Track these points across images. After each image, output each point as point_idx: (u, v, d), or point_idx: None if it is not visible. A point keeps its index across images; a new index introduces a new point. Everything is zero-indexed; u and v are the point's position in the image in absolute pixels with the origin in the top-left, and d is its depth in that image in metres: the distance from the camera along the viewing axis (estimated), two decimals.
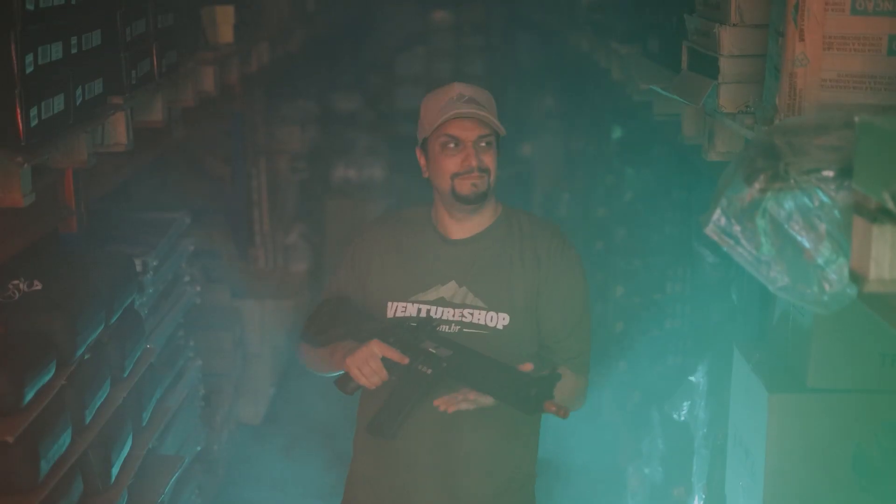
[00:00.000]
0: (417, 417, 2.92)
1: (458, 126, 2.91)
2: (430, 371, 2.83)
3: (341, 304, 3.05)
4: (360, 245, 3.13)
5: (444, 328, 2.95)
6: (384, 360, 2.85)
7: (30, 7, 2.79)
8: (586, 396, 3.09)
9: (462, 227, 3.03)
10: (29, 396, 2.91)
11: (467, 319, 2.97)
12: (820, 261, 2.20)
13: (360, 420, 3.10)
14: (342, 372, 2.98)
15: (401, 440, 2.95)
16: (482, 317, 2.97)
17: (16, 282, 3.25)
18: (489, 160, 2.93)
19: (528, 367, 2.78)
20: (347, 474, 3.18)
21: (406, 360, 2.84)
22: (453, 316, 2.97)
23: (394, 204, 8.88)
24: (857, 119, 1.97)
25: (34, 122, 2.83)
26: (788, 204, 2.24)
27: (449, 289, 2.99)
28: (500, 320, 2.96)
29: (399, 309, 3.00)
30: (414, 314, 2.98)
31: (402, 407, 2.88)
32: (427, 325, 2.88)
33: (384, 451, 3.02)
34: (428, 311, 2.98)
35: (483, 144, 2.92)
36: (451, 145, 2.92)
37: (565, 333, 3.02)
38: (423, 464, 2.99)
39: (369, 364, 2.84)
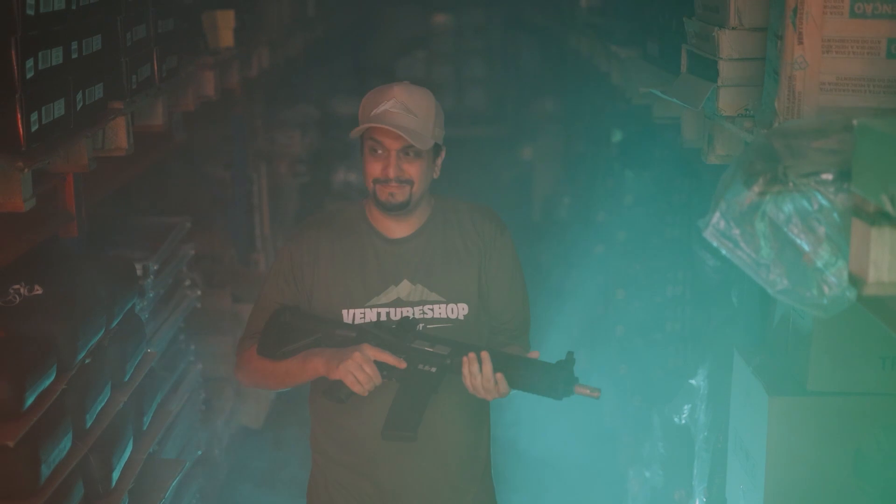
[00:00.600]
0: (377, 406, 2.91)
1: (384, 133, 2.88)
2: (433, 369, 2.83)
3: (300, 314, 2.96)
4: (297, 253, 3.03)
5: None
6: (378, 364, 2.82)
7: (30, 12, 2.79)
8: None
9: (400, 225, 3.01)
10: (30, 401, 2.91)
11: (429, 315, 2.97)
12: (819, 264, 2.20)
13: (315, 415, 3.12)
14: (298, 384, 2.97)
15: (362, 428, 2.98)
16: (443, 310, 2.98)
17: (16, 286, 3.26)
18: (413, 171, 2.90)
19: (535, 354, 2.84)
20: (310, 478, 3.18)
21: (403, 364, 2.82)
22: (414, 314, 2.97)
23: None
24: (855, 122, 1.97)
25: (35, 127, 2.83)
26: (787, 207, 2.24)
27: (403, 288, 2.98)
28: (461, 311, 2.99)
29: (357, 315, 2.97)
30: (374, 319, 2.96)
31: (419, 407, 2.85)
32: (410, 326, 2.87)
33: (346, 436, 3.03)
34: (388, 313, 2.95)
35: (410, 154, 2.89)
36: (378, 151, 2.90)
37: (512, 314, 3.08)
38: (383, 450, 2.99)
39: (364, 369, 2.79)
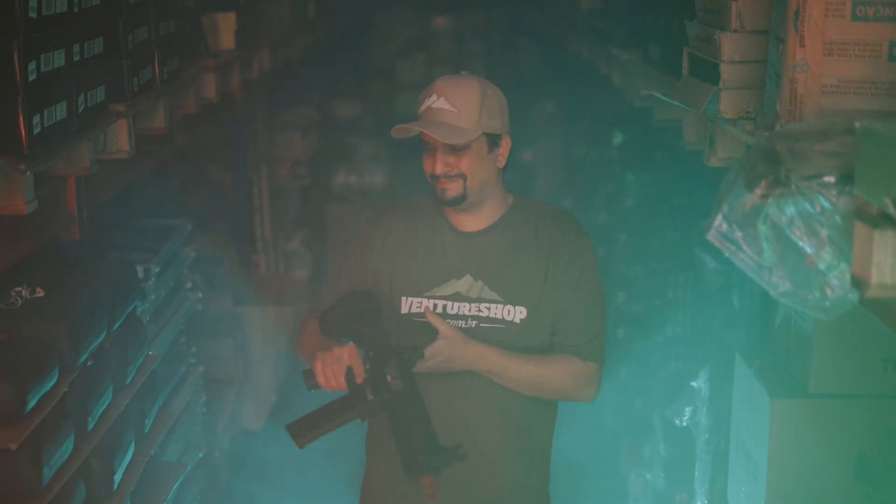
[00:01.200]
0: (437, 415, 2.81)
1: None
2: (371, 398, 2.70)
3: (369, 302, 2.87)
4: (371, 236, 3.05)
5: (462, 323, 2.92)
6: (349, 369, 2.74)
7: (32, 15, 2.79)
8: (599, 384, 3.03)
9: (473, 219, 2.99)
10: (31, 403, 2.91)
11: (484, 314, 2.94)
12: (821, 266, 2.20)
13: (372, 429, 3.08)
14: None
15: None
16: (499, 311, 2.94)
17: (18, 289, 3.26)
18: (464, 164, 2.88)
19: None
20: (362, 483, 3.16)
21: (360, 379, 2.72)
22: (470, 311, 2.94)
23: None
24: (857, 125, 1.97)
25: (37, 130, 2.83)
26: (790, 209, 2.24)
27: (465, 283, 2.96)
28: (518, 314, 2.94)
29: (414, 304, 2.96)
30: (431, 308, 2.94)
31: (326, 423, 2.74)
32: (412, 354, 2.76)
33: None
34: (444, 305, 2.94)
35: (458, 148, 2.87)
36: (427, 147, 2.90)
37: (576, 319, 2.98)
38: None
39: (333, 367, 2.73)
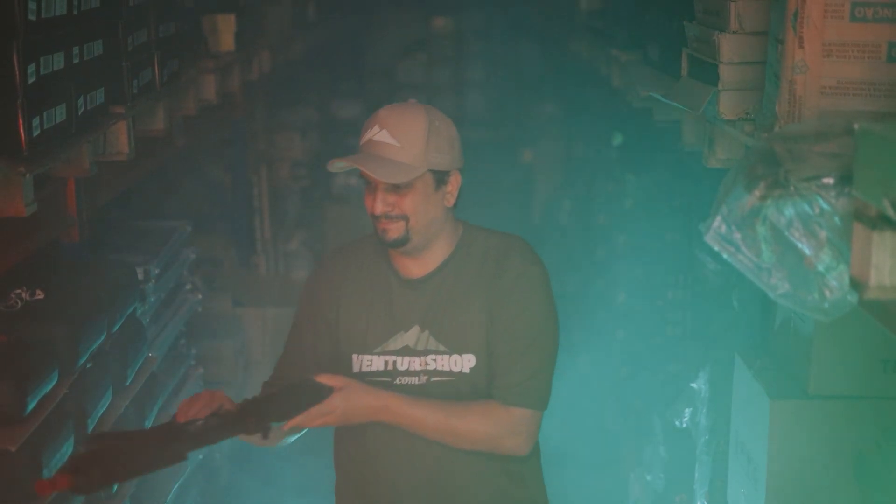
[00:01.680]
0: (409, 452, 2.73)
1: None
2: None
3: (308, 396, 2.61)
4: (316, 290, 2.84)
5: (415, 380, 2.71)
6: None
7: (32, 17, 2.79)
8: (534, 433, 2.72)
9: (418, 263, 2.76)
10: (31, 405, 2.91)
11: (431, 367, 2.71)
12: (820, 267, 2.21)
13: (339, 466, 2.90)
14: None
15: (390, 473, 2.77)
16: (445, 362, 2.71)
17: (18, 291, 3.26)
18: (406, 204, 2.65)
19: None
20: None
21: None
22: (420, 365, 2.72)
23: None
24: (856, 126, 1.98)
25: (36, 132, 2.83)
26: (789, 211, 2.24)
27: (412, 335, 2.74)
28: (466, 363, 2.70)
29: (365, 363, 2.76)
30: (381, 368, 2.74)
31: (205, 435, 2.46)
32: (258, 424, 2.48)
33: (371, 490, 2.81)
34: (395, 361, 2.73)
35: (400, 187, 2.64)
36: (368, 182, 2.68)
37: (505, 360, 2.69)
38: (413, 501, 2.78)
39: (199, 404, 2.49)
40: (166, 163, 5.39)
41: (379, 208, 2.66)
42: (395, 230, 2.67)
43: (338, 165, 2.65)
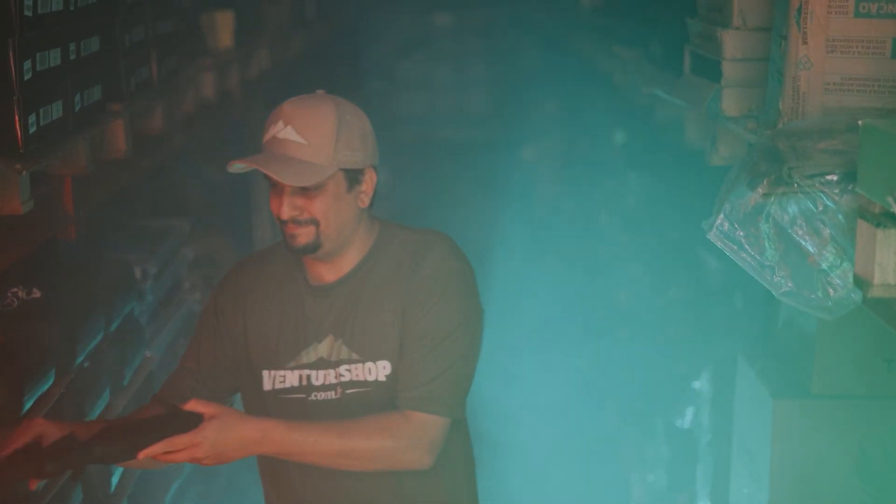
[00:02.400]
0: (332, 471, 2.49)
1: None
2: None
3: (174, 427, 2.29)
4: (223, 303, 2.60)
5: (331, 394, 2.50)
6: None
7: (28, 14, 2.77)
8: (438, 442, 2.43)
9: (330, 269, 2.53)
10: (28, 405, 2.90)
11: (346, 378, 2.49)
12: (824, 266, 2.19)
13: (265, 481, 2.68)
14: None
15: (307, 492, 2.57)
16: (359, 371, 2.49)
17: (15, 290, 3.24)
18: (315, 208, 2.42)
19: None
20: None
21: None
22: (335, 378, 2.50)
23: (395, 209, 8.86)
24: (860, 123, 1.96)
25: (33, 129, 2.81)
26: (792, 208, 2.23)
27: (326, 346, 2.52)
28: (381, 370, 2.48)
29: (277, 379, 2.54)
30: (295, 384, 2.52)
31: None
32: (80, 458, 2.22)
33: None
34: (309, 376, 2.52)
35: (309, 189, 2.41)
36: (273, 183, 2.44)
37: (410, 362, 2.45)
38: None
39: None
40: (164, 161, 5.37)
41: (286, 212, 2.42)
42: (304, 235, 2.44)
43: (238, 167, 2.43)
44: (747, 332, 3.66)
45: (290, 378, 2.52)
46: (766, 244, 2.27)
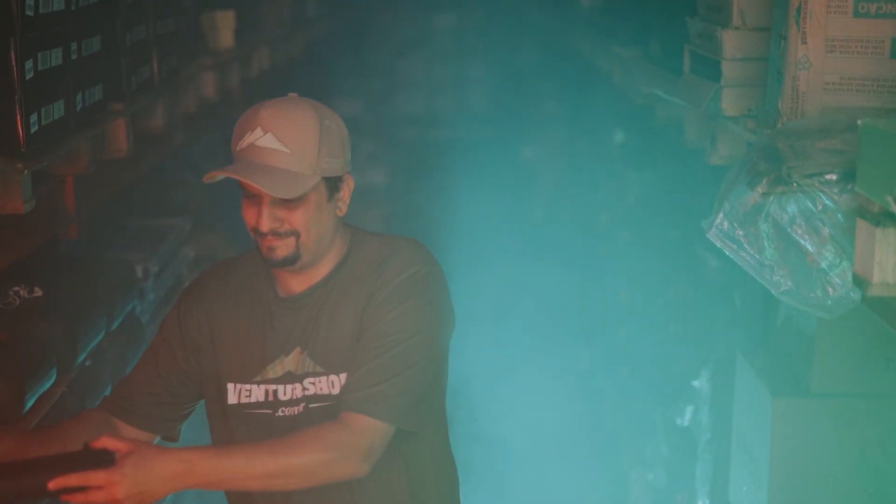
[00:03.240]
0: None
1: None
2: None
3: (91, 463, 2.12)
4: (187, 312, 2.49)
5: (295, 410, 2.39)
6: None
7: (29, 13, 2.78)
8: (376, 447, 2.27)
9: (299, 279, 2.41)
10: (29, 404, 2.90)
11: (310, 392, 2.38)
12: (823, 265, 2.20)
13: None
14: None
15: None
16: (323, 384, 2.38)
17: (16, 289, 3.24)
18: (296, 219, 2.30)
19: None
20: None
21: None
22: (301, 392, 2.39)
23: (394, 209, 8.88)
24: (860, 122, 1.97)
25: (34, 129, 2.82)
26: (791, 208, 2.24)
27: (293, 359, 2.40)
28: (343, 383, 2.37)
29: (243, 394, 2.43)
30: (261, 399, 2.41)
31: None
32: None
33: None
34: (275, 391, 2.40)
35: (292, 200, 2.29)
36: (248, 193, 2.33)
37: (360, 365, 2.31)
38: None
39: None
40: (165, 160, 5.38)
41: (266, 224, 2.29)
42: (283, 248, 2.32)
43: (217, 178, 2.32)
44: (747, 330, 3.67)
45: (256, 393, 2.42)
46: (766, 243, 2.28)
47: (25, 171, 2.77)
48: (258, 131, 2.29)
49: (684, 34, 3.36)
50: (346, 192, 2.39)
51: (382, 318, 2.33)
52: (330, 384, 2.37)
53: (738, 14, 2.86)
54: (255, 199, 2.32)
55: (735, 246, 2.33)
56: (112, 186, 4.14)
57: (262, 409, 2.42)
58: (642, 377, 5.28)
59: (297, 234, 2.32)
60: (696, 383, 3.95)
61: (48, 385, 3.02)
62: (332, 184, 2.35)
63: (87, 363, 3.33)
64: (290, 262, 2.34)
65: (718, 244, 2.36)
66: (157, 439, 2.56)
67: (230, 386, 2.44)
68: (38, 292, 3.26)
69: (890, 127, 1.88)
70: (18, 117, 2.73)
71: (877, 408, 2.92)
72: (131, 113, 3.63)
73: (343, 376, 2.36)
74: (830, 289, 2.20)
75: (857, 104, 2.43)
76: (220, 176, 2.31)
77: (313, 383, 2.38)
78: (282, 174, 2.27)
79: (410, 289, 2.36)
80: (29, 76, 2.78)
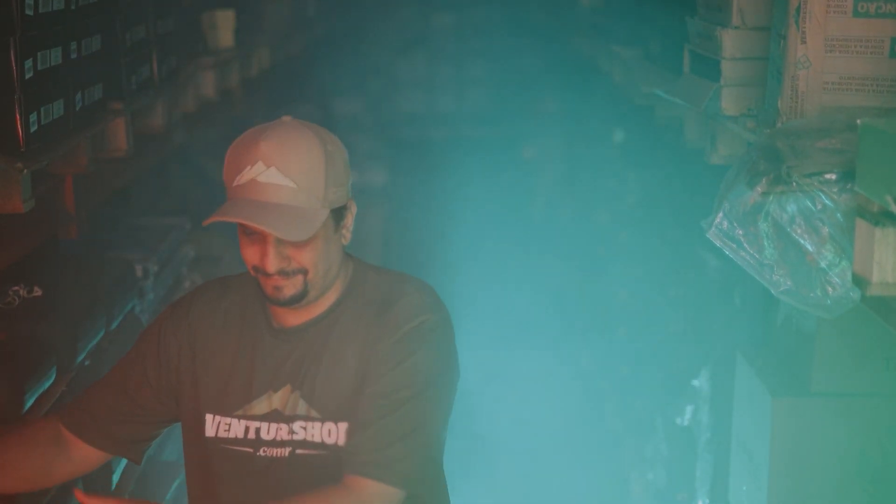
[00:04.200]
0: None
1: None
2: None
3: None
4: (170, 331, 2.32)
5: (278, 452, 2.23)
6: None
7: (29, 12, 2.78)
8: None
9: (297, 311, 2.25)
10: (29, 403, 2.90)
11: (299, 437, 2.21)
12: (823, 264, 2.20)
13: None
14: None
15: None
16: (317, 431, 2.20)
17: (16, 288, 3.25)
18: (305, 257, 2.14)
19: None
20: None
21: None
22: (288, 434, 2.22)
23: (394, 208, 8.87)
24: (859, 122, 1.97)
25: (34, 128, 2.82)
26: (791, 207, 2.24)
27: (282, 396, 2.23)
28: (342, 433, 2.19)
29: (222, 427, 2.25)
30: (241, 435, 2.24)
31: None
32: None
33: None
34: (258, 429, 2.23)
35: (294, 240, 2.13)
36: (250, 232, 2.17)
37: (366, 422, 2.15)
38: None
39: None
40: (165, 160, 5.38)
41: (273, 265, 2.14)
42: (291, 287, 2.16)
43: (218, 219, 2.15)
44: (746, 330, 3.67)
45: (236, 428, 2.25)
46: (765, 243, 2.28)
47: (25, 171, 2.77)
48: (259, 165, 2.10)
49: (684, 34, 3.36)
50: (350, 220, 2.24)
51: (389, 372, 2.18)
52: (325, 432, 2.21)
53: (737, 14, 2.86)
54: (258, 237, 2.15)
55: (735, 245, 2.33)
56: (112, 186, 4.14)
57: (241, 447, 2.25)
58: (642, 376, 5.28)
59: (304, 272, 2.16)
60: (696, 383, 3.95)
61: (48, 384, 3.03)
62: (338, 213, 2.19)
63: (87, 362, 3.33)
64: (298, 300, 2.19)
65: (718, 243, 2.36)
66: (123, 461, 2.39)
67: (209, 417, 2.27)
68: (38, 292, 3.26)
69: (889, 126, 1.88)
70: (18, 116, 2.73)
71: (876, 407, 2.92)
72: (131, 112, 3.63)
73: (341, 426, 2.19)
74: (830, 288, 2.20)
75: (856, 104, 2.44)
76: (220, 220, 2.13)
77: (304, 428, 2.21)
78: (290, 212, 2.09)
79: (419, 340, 2.20)
80: (28, 75, 2.78)
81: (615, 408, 5.94)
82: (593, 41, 6.21)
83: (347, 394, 2.20)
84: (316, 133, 2.16)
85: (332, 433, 2.20)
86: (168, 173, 5.92)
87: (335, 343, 2.23)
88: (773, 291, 2.29)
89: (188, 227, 4.96)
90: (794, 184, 2.22)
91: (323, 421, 2.20)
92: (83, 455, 2.35)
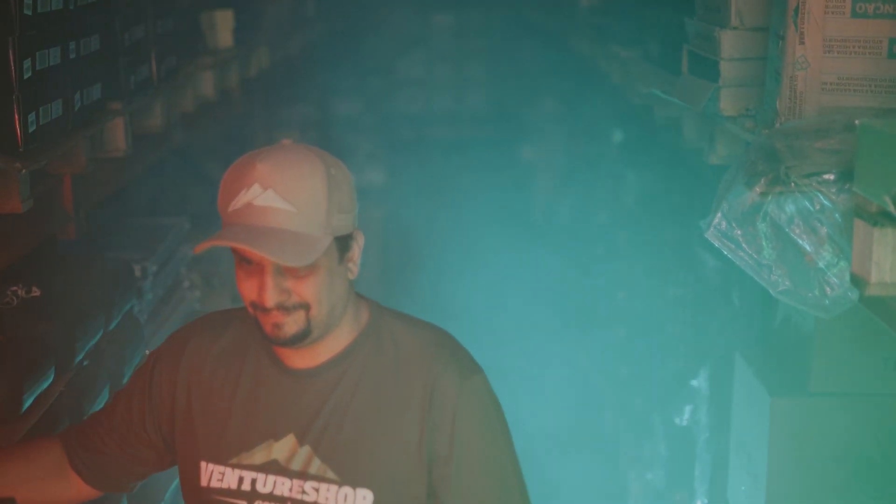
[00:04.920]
0: None
1: None
2: None
3: None
4: (165, 369, 2.19)
5: None
6: None
7: (27, 12, 2.78)
8: None
9: (306, 354, 2.08)
10: (27, 403, 2.90)
11: (310, 499, 2.04)
12: (821, 264, 2.20)
13: None
14: None
15: None
16: (332, 495, 2.03)
17: (14, 288, 3.24)
18: (306, 290, 1.97)
19: None
20: None
21: None
22: (290, 491, 2.05)
23: (394, 208, 8.87)
24: (857, 122, 1.97)
25: (32, 128, 2.82)
26: (789, 207, 2.24)
27: (285, 447, 2.06)
28: (360, 500, 2.03)
29: (215, 476, 2.10)
30: (234, 486, 2.08)
31: None
32: None
33: None
34: (253, 480, 2.07)
35: (299, 268, 1.96)
36: (247, 263, 2.00)
37: None
38: None
39: None
40: (164, 160, 5.38)
41: (271, 298, 1.96)
42: (292, 324, 1.99)
43: (212, 244, 1.97)
44: (745, 330, 3.67)
45: (229, 478, 2.09)
46: (764, 243, 2.28)
47: (23, 171, 2.77)
48: (256, 188, 1.94)
49: (683, 34, 3.36)
50: (356, 252, 2.07)
51: (478, 464, 2.08)
52: (342, 497, 2.04)
53: (736, 14, 2.86)
54: (255, 267, 1.98)
55: (733, 245, 2.33)
56: (110, 186, 4.14)
57: (234, 499, 2.09)
58: (641, 376, 5.28)
59: (306, 307, 1.99)
60: (694, 383, 3.95)
61: (46, 384, 3.02)
62: (343, 243, 2.02)
63: (86, 363, 3.33)
64: (300, 339, 2.01)
65: (717, 244, 2.36)
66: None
67: (203, 464, 2.12)
68: (37, 292, 3.26)
69: (888, 127, 1.88)
70: (16, 116, 2.73)
71: (875, 407, 2.92)
72: (130, 112, 3.63)
73: (360, 492, 2.03)
74: (828, 288, 2.20)
75: (854, 104, 2.44)
76: (213, 245, 1.97)
77: (317, 489, 2.04)
78: (289, 238, 1.92)
79: (484, 411, 2.08)
80: (27, 75, 2.78)
81: (614, 407, 5.94)
82: (592, 41, 6.21)
83: (377, 460, 2.04)
84: (318, 155, 2.05)
85: (349, 498, 2.04)
86: (167, 173, 5.92)
87: (365, 401, 2.06)
88: (771, 291, 2.30)
89: (187, 227, 4.96)
90: (793, 184, 2.22)
91: (341, 485, 2.04)
92: (87, 493, 2.35)
